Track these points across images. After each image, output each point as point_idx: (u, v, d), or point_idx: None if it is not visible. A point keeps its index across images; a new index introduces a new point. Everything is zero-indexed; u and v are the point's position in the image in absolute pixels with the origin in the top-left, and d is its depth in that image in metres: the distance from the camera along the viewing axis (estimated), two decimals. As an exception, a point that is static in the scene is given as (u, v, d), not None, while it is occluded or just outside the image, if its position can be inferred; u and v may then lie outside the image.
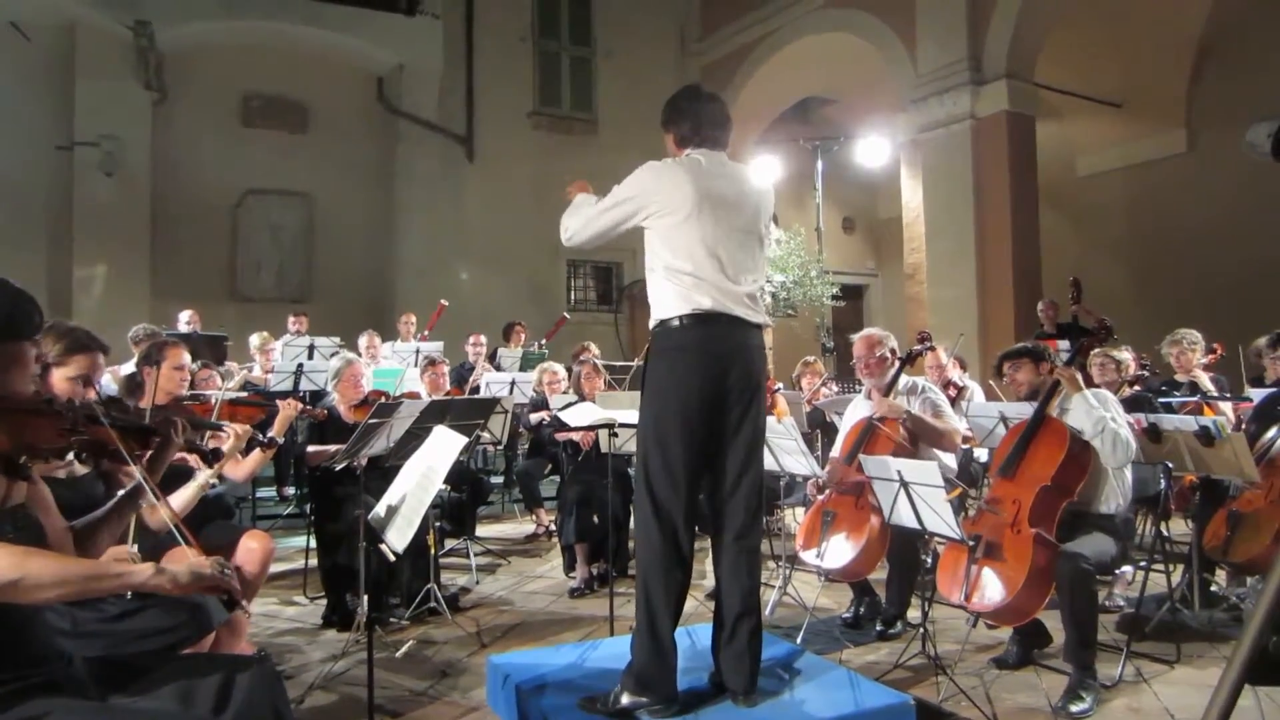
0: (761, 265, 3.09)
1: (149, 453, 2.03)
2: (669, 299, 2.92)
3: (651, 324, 3.00)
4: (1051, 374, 3.83)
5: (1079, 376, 3.76)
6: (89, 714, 1.70)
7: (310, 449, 4.70)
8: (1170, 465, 4.08)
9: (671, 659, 2.86)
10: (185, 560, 1.75)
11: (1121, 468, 3.67)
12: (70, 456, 1.82)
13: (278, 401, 4.20)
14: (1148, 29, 11.47)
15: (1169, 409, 5.02)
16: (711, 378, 2.87)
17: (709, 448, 2.92)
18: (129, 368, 5.73)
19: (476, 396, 7.12)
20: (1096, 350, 5.02)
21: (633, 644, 2.90)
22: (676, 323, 2.90)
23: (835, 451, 4.67)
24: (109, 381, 4.30)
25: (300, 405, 4.22)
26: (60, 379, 2.53)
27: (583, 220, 3.11)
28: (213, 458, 2.41)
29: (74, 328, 2.62)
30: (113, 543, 2.11)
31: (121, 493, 2.06)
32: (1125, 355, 5.60)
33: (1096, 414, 3.59)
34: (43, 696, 1.67)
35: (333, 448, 4.56)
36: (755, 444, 2.97)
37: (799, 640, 4.01)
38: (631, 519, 5.46)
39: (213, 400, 3.93)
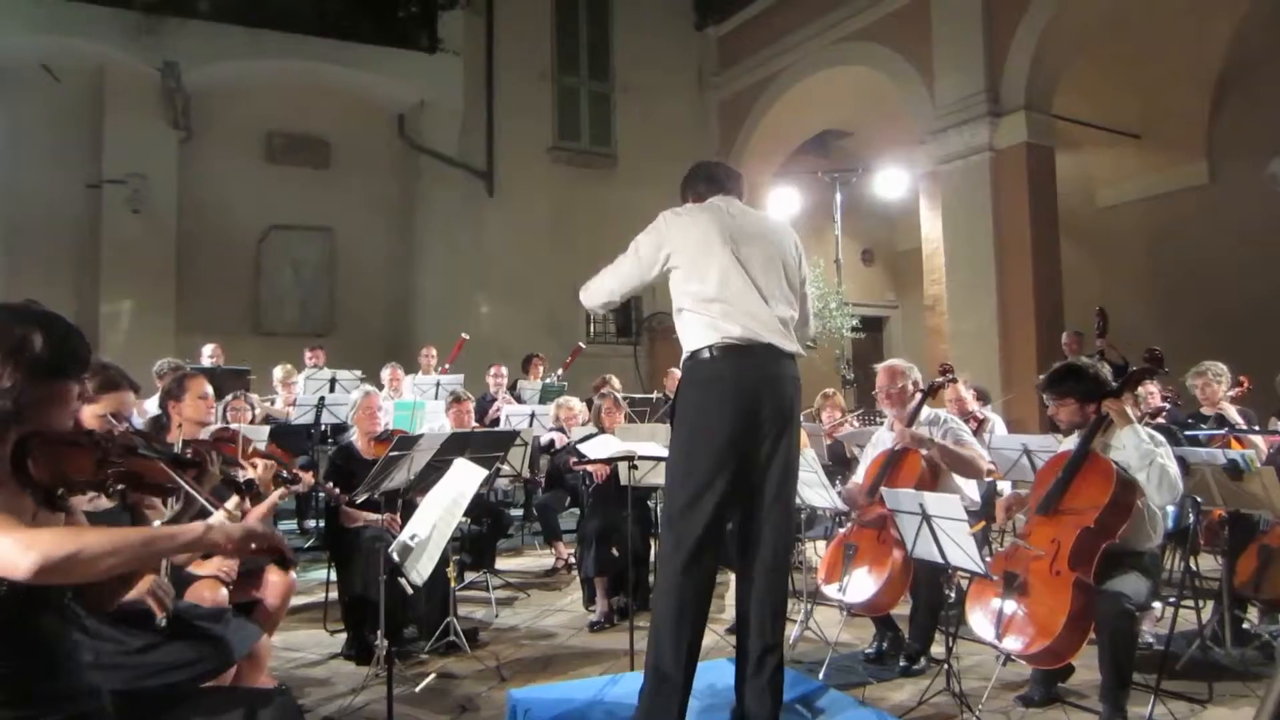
0: (793, 299, 3.04)
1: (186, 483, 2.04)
2: (698, 331, 2.89)
3: (683, 358, 2.97)
4: (1097, 412, 3.68)
5: (1129, 410, 3.64)
6: (113, 748, 1.70)
7: (345, 510, 4.73)
8: (1199, 499, 4.02)
9: (677, 696, 2.76)
10: (215, 586, 1.76)
11: (1166, 505, 3.58)
12: (102, 491, 1.84)
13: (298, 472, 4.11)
14: (1167, 60, 11.48)
15: (1196, 442, 4.96)
16: (743, 410, 2.82)
17: (740, 480, 2.87)
18: (152, 402, 5.82)
19: (496, 429, 7.14)
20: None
21: (644, 678, 2.85)
22: (707, 354, 2.87)
23: (857, 477, 4.64)
24: (136, 418, 4.34)
25: (314, 481, 4.21)
26: (90, 416, 2.56)
27: (603, 277, 3.08)
28: (246, 488, 2.43)
29: (105, 365, 2.64)
30: (142, 577, 2.12)
31: (157, 525, 2.06)
32: (1144, 388, 5.53)
33: (1145, 448, 3.47)
34: (69, 730, 1.67)
35: (366, 515, 4.67)
36: (788, 477, 2.92)
37: (821, 676, 3.96)
38: (651, 552, 5.46)
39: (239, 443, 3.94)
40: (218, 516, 2.95)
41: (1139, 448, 3.49)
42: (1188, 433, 5.46)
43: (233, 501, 2.96)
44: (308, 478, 4.10)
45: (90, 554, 1.54)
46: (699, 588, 2.83)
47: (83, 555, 1.53)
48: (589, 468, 5.61)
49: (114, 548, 1.58)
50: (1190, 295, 11.70)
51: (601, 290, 3.10)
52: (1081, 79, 11.15)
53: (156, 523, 2.12)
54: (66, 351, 1.77)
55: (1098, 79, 11.63)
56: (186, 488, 1.91)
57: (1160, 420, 5.52)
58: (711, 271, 2.88)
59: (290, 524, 7.87)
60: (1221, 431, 5.31)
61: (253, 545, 1.71)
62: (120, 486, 1.85)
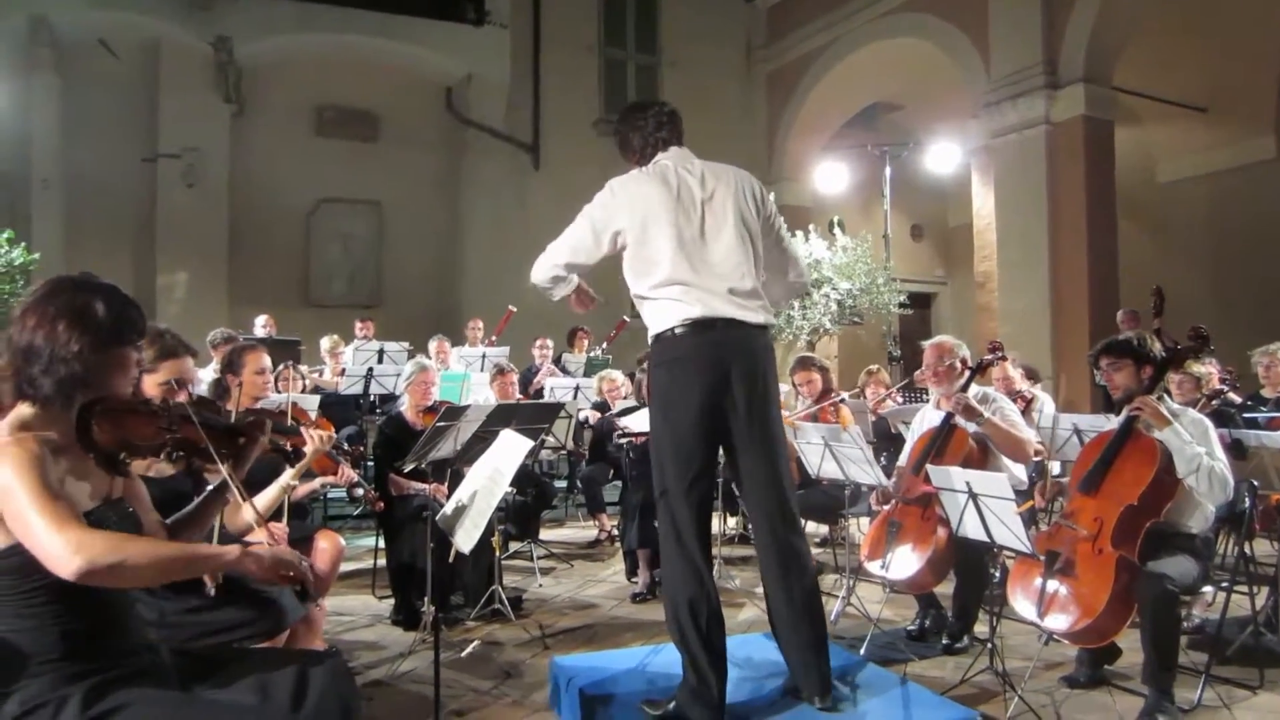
0: (754, 264, 2.92)
1: (236, 452, 2.11)
2: (661, 314, 2.85)
3: (649, 340, 2.94)
4: (1152, 379, 3.58)
5: (1164, 409, 3.49)
6: (173, 704, 1.77)
7: (394, 478, 4.83)
8: (1255, 483, 3.92)
9: (710, 672, 2.77)
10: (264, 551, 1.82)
11: (1219, 504, 3.49)
12: (161, 456, 1.90)
13: (343, 467, 4.11)
14: (1235, 31, 11.08)
15: (1254, 425, 4.83)
16: (712, 385, 2.79)
17: (723, 451, 2.89)
18: (208, 372, 5.95)
19: (541, 401, 7.20)
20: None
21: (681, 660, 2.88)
22: (670, 334, 2.84)
23: (903, 461, 4.60)
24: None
25: (355, 478, 4.25)
26: (151, 384, 2.62)
27: (552, 251, 3.00)
28: (294, 458, 2.48)
29: (162, 333, 2.69)
30: (201, 538, 2.20)
31: (209, 489, 2.14)
32: (1204, 369, 5.38)
33: (1190, 451, 3.35)
34: (130, 686, 1.74)
35: (414, 484, 4.77)
36: (771, 446, 2.88)
37: (862, 652, 3.96)
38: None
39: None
40: (270, 493, 3.04)
41: (1183, 452, 3.36)
42: (1246, 415, 5.32)
43: (288, 474, 3.03)
44: (349, 474, 4.14)
45: (133, 565, 1.64)
46: (703, 565, 2.83)
47: (126, 565, 1.63)
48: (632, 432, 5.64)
49: (156, 560, 1.68)
50: (1254, 273, 11.35)
51: (550, 265, 3.00)
52: (1144, 50, 10.82)
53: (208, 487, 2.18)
54: (126, 319, 1.84)
55: (1162, 50, 11.27)
56: (223, 472, 1.98)
57: (1215, 403, 5.36)
58: (663, 253, 2.82)
59: (340, 491, 8.01)
60: (1281, 414, 5.17)
61: (281, 572, 1.82)
62: (180, 453, 1.91)
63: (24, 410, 1.77)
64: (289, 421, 3.10)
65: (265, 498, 3.00)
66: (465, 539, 2.99)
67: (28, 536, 1.62)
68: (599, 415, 6.82)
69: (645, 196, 2.88)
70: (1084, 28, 9.92)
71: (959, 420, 4.25)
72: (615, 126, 3.17)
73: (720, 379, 2.80)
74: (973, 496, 3.39)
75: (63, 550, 1.58)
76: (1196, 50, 11.47)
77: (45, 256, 9.41)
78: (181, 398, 2.57)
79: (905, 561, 4.04)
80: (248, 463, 2.14)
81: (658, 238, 2.84)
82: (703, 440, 2.83)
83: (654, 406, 2.92)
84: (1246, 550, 4.12)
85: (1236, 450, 4.01)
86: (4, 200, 10.99)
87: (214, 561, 1.79)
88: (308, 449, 3.06)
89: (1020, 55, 10.43)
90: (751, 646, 3.49)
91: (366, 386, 7.74)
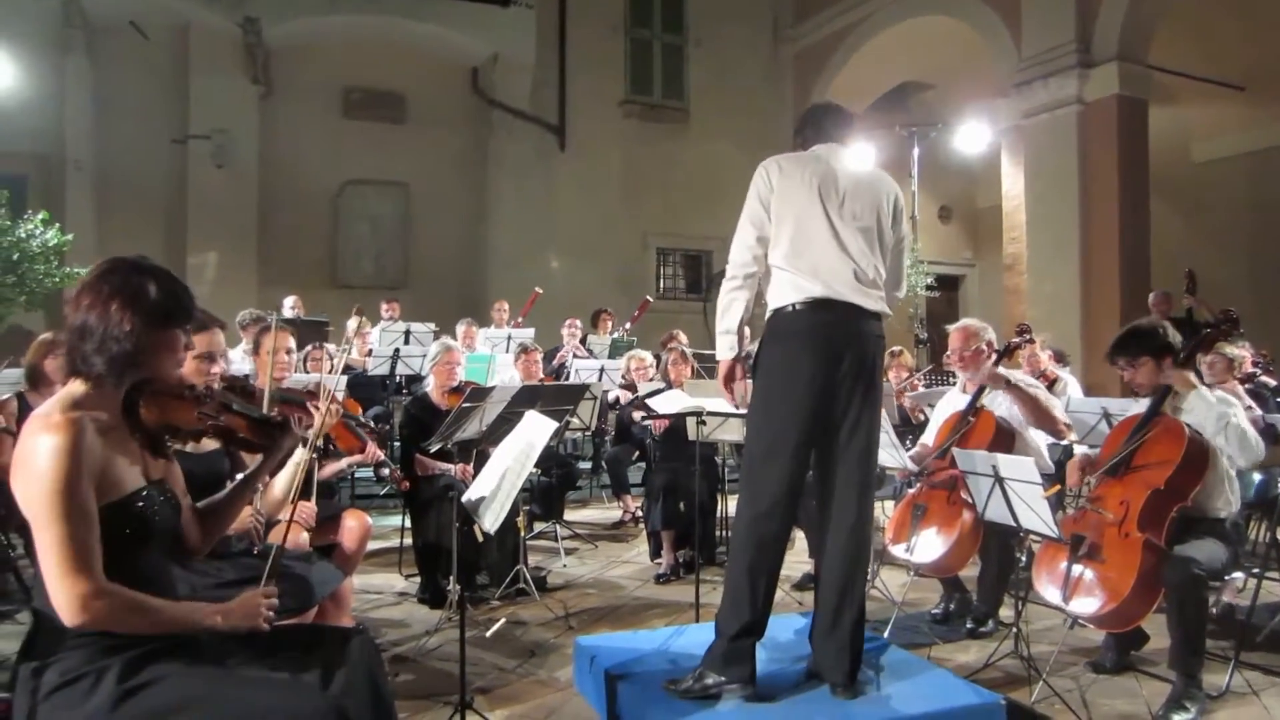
0: (881, 257, 2.99)
1: (271, 442, 2.14)
2: (782, 289, 2.90)
3: (767, 315, 2.98)
4: (1174, 367, 3.52)
5: (1192, 376, 3.50)
6: (206, 679, 1.80)
7: (420, 458, 4.86)
8: (1289, 468, 3.87)
9: (748, 647, 2.83)
10: (295, 530, 1.85)
11: (1251, 466, 3.45)
12: (200, 441, 1.95)
13: (370, 445, 4.08)
14: (1273, 8, 10.80)
15: (1288, 409, 4.76)
16: (823, 364, 2.82)
17: (818, 435, 2.88)
18: (238, 352, 6.02)
19: (566, 383, 7.22)
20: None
21: (717, 625, 2.91)
22: (789, 310, 2.88)
23: (927, 437, 4.58)
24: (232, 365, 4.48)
25: (382, 456, 4.28)
26: (186, 359, 2.66)
27: (732, 253, 3.00)
28: (327, 452, 2.52)
29: None
30: (232, 523, 2.24)
31: (240, 478, 2.17)
32: (1237, 351, 5.29)
33: (1218, 410, 3.34)
34: (166, 660, 1.78)
35: (440, 464, 4.79)
36: (870, 435, 2.91)
37: (886, 635, 3.95)
38: (719, 507, 5.50)
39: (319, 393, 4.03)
40: (286, 473, 3.08)
41: (1210, 411, 3.36)
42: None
43: (297, 454, 3.04)
44: (375, 453, 4.16)
45: (129, 628, 1.75)
46: (774, 539, 2.86)
47: (123, 626, 1.74)
48: (650, 421, 5.65)
49: (151, 626, 1.77)
50: (1290, 255, 11.15)
51: (742, 245, 3.00)
52: (1180, 28, 10.59)
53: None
54: (177, 301, 1.88)
55: (1198, 28, 11.03)
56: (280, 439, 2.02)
57: (1248, 386, 5.28)
58: (795, 228, 2.88)
59: (368, 470, 8.09)
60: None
61: (251, 612, 1.88)
62: (218, 436, 1.96)
63: (76, 388, 1.81)
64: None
65: (282, 479, 3.03)
66: (490, 519, 3.01)
67: (42, 565, 1.69)
68: (630, 395, 6.85)
69: (789, 173, 2.96)
70: (1119, 4, 9.73)
71: (986, 402, 4.22)
72: (805, 113, 3.26)
73: (831, 361, 2.83)
74: (999, 480, 3.38)
75: (71, 605, 1.67)
76: (1234, 27, 11.21)
77: (78, 237, 9.56)
78: (216, 370, 2.61)
79: (930, 545, 4.02)
80: (280, 453, 2.18)
81: (791, 213, 2.91)
82: (802, 418, 2.84)
83: (760, 379, 2.95)
84: (1278, 537, 4.07)
85: (1270, 435, 3.95)
86: (38, 182, 11.16)
87: (194, 623, 1.83)
88: (316, 424, 3.07)
89: (1053, 33, 10.25)
90: (777, 626, 3.50)
91: (393, 367, 7.80)
